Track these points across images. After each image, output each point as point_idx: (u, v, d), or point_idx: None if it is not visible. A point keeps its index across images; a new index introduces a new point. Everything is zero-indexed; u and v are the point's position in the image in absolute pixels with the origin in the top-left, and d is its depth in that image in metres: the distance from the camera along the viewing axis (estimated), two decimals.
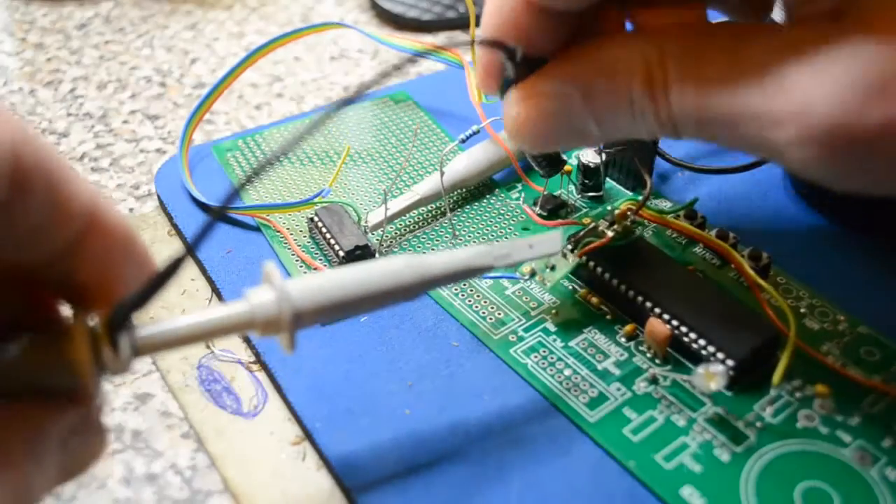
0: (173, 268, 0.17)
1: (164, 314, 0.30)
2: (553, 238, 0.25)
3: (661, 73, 0.21)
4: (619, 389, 0.26)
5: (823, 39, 0.19)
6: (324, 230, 0.30)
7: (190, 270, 0.31)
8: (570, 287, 0.29)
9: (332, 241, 0.30)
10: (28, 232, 0.16)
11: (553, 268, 0.29)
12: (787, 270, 0.30)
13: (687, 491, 0.23)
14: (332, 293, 0.20)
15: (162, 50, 0.46)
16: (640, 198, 0.30)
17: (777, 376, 0.25)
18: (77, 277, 0.17)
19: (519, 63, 0.24)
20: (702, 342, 0.26)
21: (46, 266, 0.17)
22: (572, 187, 0.34)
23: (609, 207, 0.33)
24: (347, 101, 0.19)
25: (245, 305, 0.19)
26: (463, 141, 0.32)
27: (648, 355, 0.27)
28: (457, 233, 0.32)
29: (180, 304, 0.30)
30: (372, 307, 0.21)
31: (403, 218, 0.32)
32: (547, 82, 0.23)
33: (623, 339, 0.28)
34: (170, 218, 0.33)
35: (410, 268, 0.21)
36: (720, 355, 0.26)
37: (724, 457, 0.24)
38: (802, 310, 0.29)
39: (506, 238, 0.32)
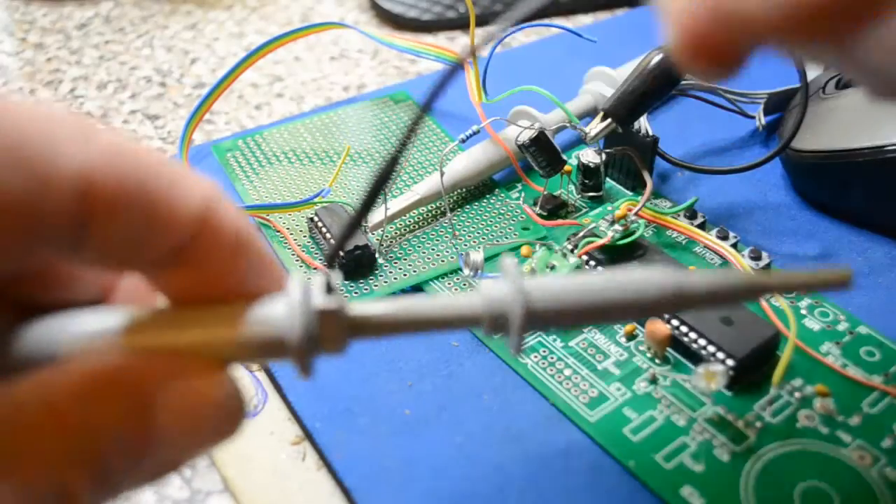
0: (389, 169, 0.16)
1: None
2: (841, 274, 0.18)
3: None
4: (619, 389, 0.26)
5: None
6: (324, 230, 0.30)
7: None
8: None
9: (332, 241, 0.30)
10: (123, 244, 0.15)
11: (553, 268, 0.29)
12: (787, 270, 0.30)
13: (687, 491, 0.23)
14: (576, 297, 0.17)
15: (162, 50, 0.46)
16: (640, 198, 0.30)
17: (777, 376, 0.25)
18: (185, 282, 0.16)
19: None
20: (701, 342, 0.26)
21: (149, 269, 0.16)
22: (572, 187, 0.34)
23: (609, 207, 0.33)
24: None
25: (475, 297, 0.17)
26: (463, 141, 0.32)
27: (648, 355, 0.27)
28: (457, 233, 0.32)
29: None
30: (613, 318, 0.18)
31: (403, 218, 0.32)
32: None
33: (623, 339, 0.28)
34: None
35: (670, 282, 0.17)
36: (720, 355, 0.26)
37: (724, 457, 0.24)
38: (802, 310, 0.29)
39: (505, 239, 0.32)
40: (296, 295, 0.16)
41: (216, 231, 0.16)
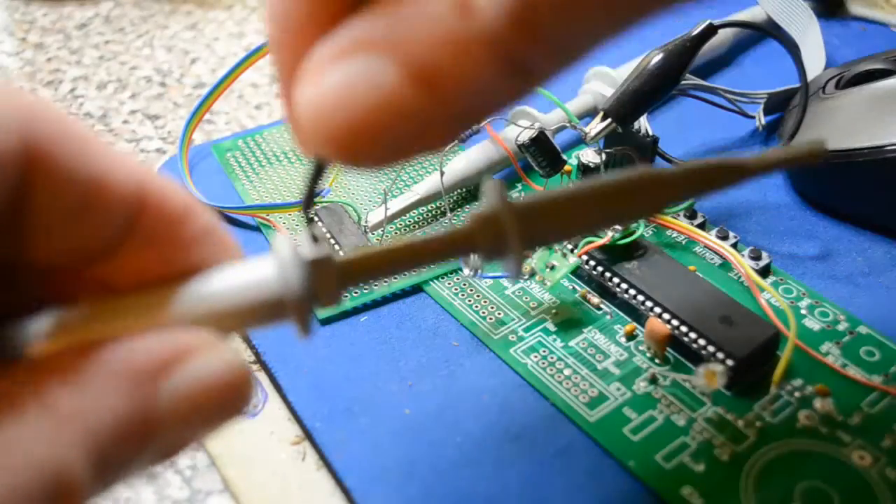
0: None
1: None
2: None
3: None
4: (618, 389, 0.26)
5: None
6: (324, 230, 0.30)
7: None
8: (570, 287, 0.30)
9: (332, 241, 0.30)
10: (58, 224, 0.14)
11: (553, 267, 0.29)
12: (786, 270, 0.30)
13: (687, 491, 0.23)
14: (562, 203, 0.16)
15: (162, 50, 0.46)
16: None
17: (777, 376, 0.25)
18: (132, 267, 0.15)
19: None
20: (701, 342, 0.26)
21: (90, 258, 0.15)
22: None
23: None
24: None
25: (467, 224, 0.16)
26: (463, 141, 0.32)
27: (648, 355, 0.27)
28: None
29: None
30: (598, 224, 0.17)
31: (403, 218, 0.32)
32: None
33: (623, 339, 0.28)
34: None
35: (648, 171, 0.16)
36: (720, 355, 0.26)
37: (724, 457, 0.24)
38: (802, 310, 0.29)
39: None
40: (285, 251, 0.15)
41: (160, 204, 0.15)
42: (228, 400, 0.15)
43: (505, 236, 0.15)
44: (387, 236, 0.31)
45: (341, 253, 0.16)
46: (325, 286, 0.15)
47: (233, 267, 0.16)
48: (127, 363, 0.14)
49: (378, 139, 0.13)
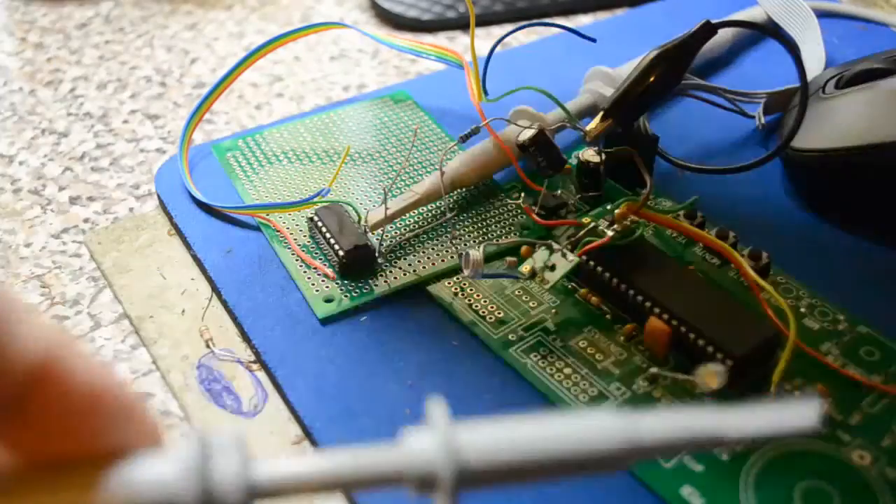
0: None
1: (163, 313, 0.30)
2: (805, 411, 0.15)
3: None
4: (618, 389, 0.26)
5: None
6: (324, 230, 0.30)
7: (190, 270, 0.31)
8: (570, 287, 0.30)
9: (332, 241, 0.30)
10: None
11: (553, 267, 0.29)
12: (787, 270, 0.30)
13: (687, 490, 0.23)
14: (516, 452, 0.15)
15: (162, 50, 0.46)
16: (640, 198, 0.30)
17: (776, 376, 0.25)
18: (36, 437, 0.14)
19: None
20: (701, 342, 0.26)
21: None
22: (572, 187, 0.34)
23: (609, 207, 0.33)
24: None
25: (397, 453, 0.15)
26: (463, 140, 0.32)
27: (648, 354, 0.27)
28: (457, 232, 0.32)
29: (180, 304, 0.30)
30: (559, 475, 0.15)
31: (403, 218, 0.32)
32: None
33: (623, 339, 0.28)
34: (170, 218, 0.33)
35: (619, 430, 0.15)
36: (720, 355, 0.26)
37: (724, 456, 0.24)
38: (802, 309, 0.29)
39: (505, 239, 0.32)
40: (190, 454, 0.14)
41: (61, 381, 0.14)
42: None
43: (439, 489, 0.14)
44: (387, 236, 0.31)
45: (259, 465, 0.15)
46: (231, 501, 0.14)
47: (144, 461, 0.15)
48: None
49: None
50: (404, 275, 0.30)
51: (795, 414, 0.15)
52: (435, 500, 0.15)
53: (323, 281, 0.30)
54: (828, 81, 0.34)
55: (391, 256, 0.31)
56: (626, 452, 0.15)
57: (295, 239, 0.31)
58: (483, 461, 0.14)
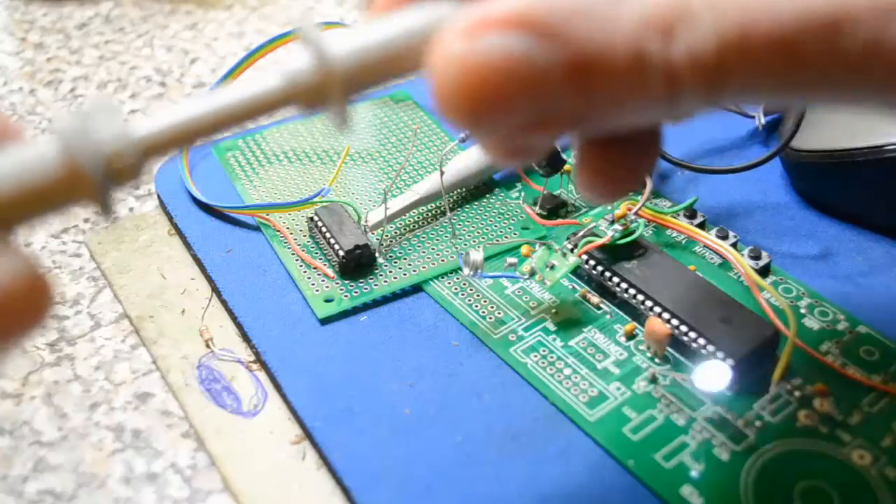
0: None
1: (163, 313, 0.30)
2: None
3: None
4: (618, 389, 0.26)
5: None
6: (324, 230, 0.30)
7: (190, 270, 0.31)
8: (570, 286, 0.30)
9: (332, 241, 0.30)
10: None
11: (553, 267, 0.29)
12: (786, 270, 0.30)
13: (686, 490, 0.23)
14: (382, 42, 0.15)
15: (162, 50, 0.46)
16: (640, 197, 0.30)
17: (776, 375, 0.25)
18: None
19: None
20: (701, 341, 0.26)
21: None
22: (572, 187, 0.34)
23: (609, 207, 0.33)
24: None
25: (277, 77, 0.15)
26: (463, 140, 0.32)
27: (648, 354, 0.27)
28: (457, 232, 0.32)
29: (180, 304, 0.30)
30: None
31: (403, 217, 0.32)
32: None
33: (622, 339, 0.28)
34: (170, 217, 0.33)
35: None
36: (720, 354, 0.26)
37: (724, 456, 0.24)
38: (802, 309, 0.29)
39: (505, 238, 0.32)
40: (71, 128, 0.14)
41: None
42: (22, 310, 0.14)
43: (329, 98, 0.15)
44: (387, 236, 0.31)
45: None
46: (120, 166, 0.14)
47: (11, 149, 0.14)
48: None
49: (512, 108, 0.14)
50: (404, 275, 0.30)
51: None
52: (326, 109, 0.15)
53: (323, 281, 0.30)
54: None
55: (391, 256, 0.31)
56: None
57: (295, 239, 0.31)
58: (358, 60, 0.15)
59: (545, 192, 0.33)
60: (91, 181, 0.14)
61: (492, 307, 0.29)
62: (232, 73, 0.36)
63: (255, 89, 0.15)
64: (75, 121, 0.14)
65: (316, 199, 0.31)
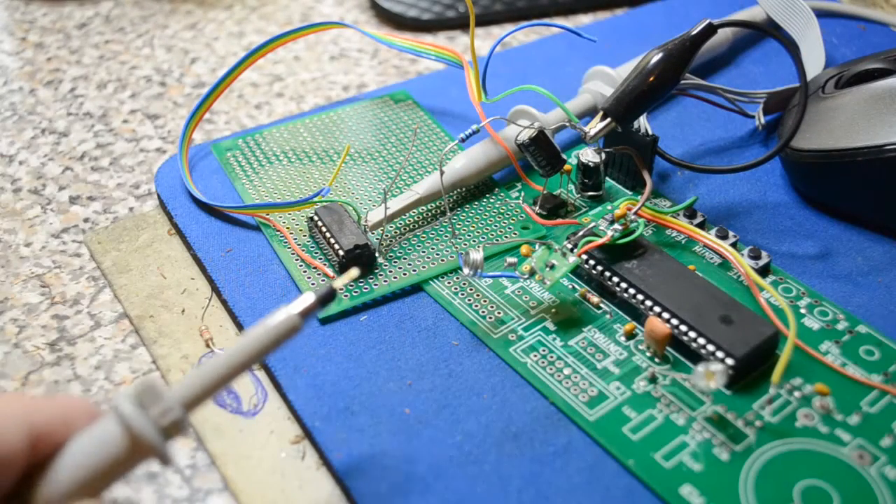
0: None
1: (163, 312, 0.30)
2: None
3: None
4: (618, 388, 0.26)
5: None
6: (324, 229, 0.30)
7: (190, 270, 0.31)
8: (570, 286, 0.30)
9: (332, 241, 0.30)
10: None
11: (553, 267, 0.29)
12: (786, 269, 0.30)
13: (686, 489, 0.23)
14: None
15: (162, 50, 0.46)
16: (640, 197, 0.30)
17: (776, 375, 0.25)
18: None
19: None
20: (701, 341, 0.26)
21: None
22: (572, 186, 0.34)
23: (609, 207, 0.33)
24: None
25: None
26: (463, 140, 0.32)
27: (648, 354, 0.27)
28: (457, 232, 0.32)
29: (180, 304, 0.30)
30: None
31: (403, 217, 0.32)
32: None
33: (622, 338, 0.28)
34: (170, 217, 0.33)
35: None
36: (719, 354, 0.26)
37: (724, 455, 0.24)
38: (802, 309, 0.29)
39: (505, 238, 0.32)
40: (125, 407, 0.19)
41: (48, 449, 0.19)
42: None
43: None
44: (387, 236, 0.31)
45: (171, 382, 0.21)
46: (172, 427, 0.19)
47: (81, 438, 0.19)
48: None
49: None
50: (404, 274, 0.30)
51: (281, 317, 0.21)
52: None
53: (323, 280, 0.30)
54: (827, 81, 0.34)
55: (391, 256, 0.31)
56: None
57: (295, 239, 0.31)
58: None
59: (545, 192, 0.33)
60: (154, 448, 0.19)
61: (492, 307, 0.29)
62: (232, 73, 0.36)
63: (259, 342, 0.20)
64: (131, 405, 0.19)
65: (316, 199, 0.31)
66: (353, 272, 0.23)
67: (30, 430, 0.18)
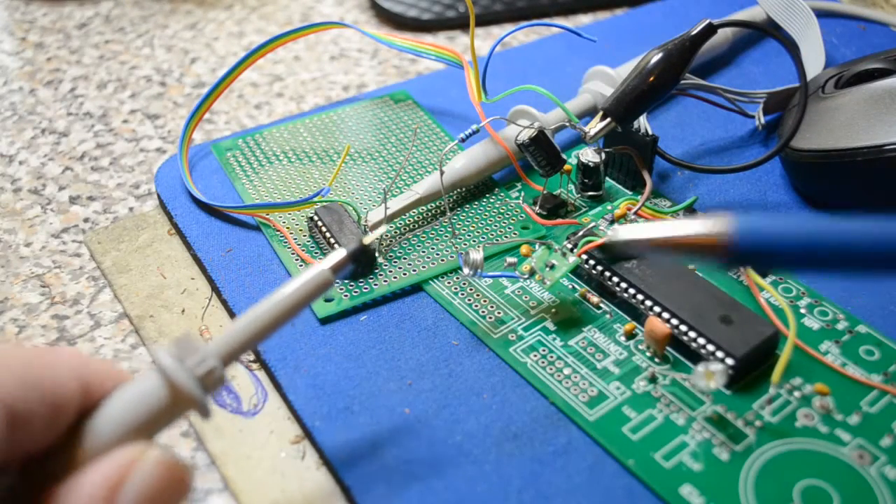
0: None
1: (163, 312, 0.30)
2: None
3: None
4: (618, 388, 0.26)
5: None
6: (324, 229, 0.30)
7: (190, 270, 0.31)
8: (570, 286, 0.30)
9: (332, 240, 0.30)
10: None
11: (553, 267, 0.29)
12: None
13: (686, 489, 0.23)
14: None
15: (162, 49, 0.46)
16: (640, 197, 0.30)
17: (776, 375, 0.25)
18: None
19: None
20: (701, 341, 0.26)
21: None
22: (572, 186, 0.34)
23: (609, 207, 0.33)
24: None
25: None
26: (462, 140, 0.32)
27: (648, 354, 0.27)
28: (457, 232, 0.32)
29: (180, 303, 0.30)
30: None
31: (403, 217, 0.32)
32: None
33: (622, 338, 0.28)
34: (170, 217, 0.33)
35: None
36: (719, 354, 0.26)
37: (724, 455, 0.24)
38: (802, 309, 0.29)
39: (505, 238, 0.32)
40: (166, 361, 0.19)
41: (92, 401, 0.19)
42: (174, 491, 0.19)
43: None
44: (387, 235, 0.31)
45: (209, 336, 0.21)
46: (209, 378, 0.20)
47: (125, 390, 0.20)
48: (81, 497, 0.17)
49: None
50: (404, 274, 0.30)
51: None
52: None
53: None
54: (827, 81, 0.34)
55: (391, 256, 0.31)
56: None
57: (295, 239, 0.31)
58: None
59: (545, 192, 0.33)
60: (192, 398, 0.19)
61: (491, 307, 0.29)
62: (232, 73, 0.36)
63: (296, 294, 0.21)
64: (170, 358, 0.19)
65: (316, 199, 0.31)
66: (382, 228, 0.25)
67: (82, 381, 0.19)
